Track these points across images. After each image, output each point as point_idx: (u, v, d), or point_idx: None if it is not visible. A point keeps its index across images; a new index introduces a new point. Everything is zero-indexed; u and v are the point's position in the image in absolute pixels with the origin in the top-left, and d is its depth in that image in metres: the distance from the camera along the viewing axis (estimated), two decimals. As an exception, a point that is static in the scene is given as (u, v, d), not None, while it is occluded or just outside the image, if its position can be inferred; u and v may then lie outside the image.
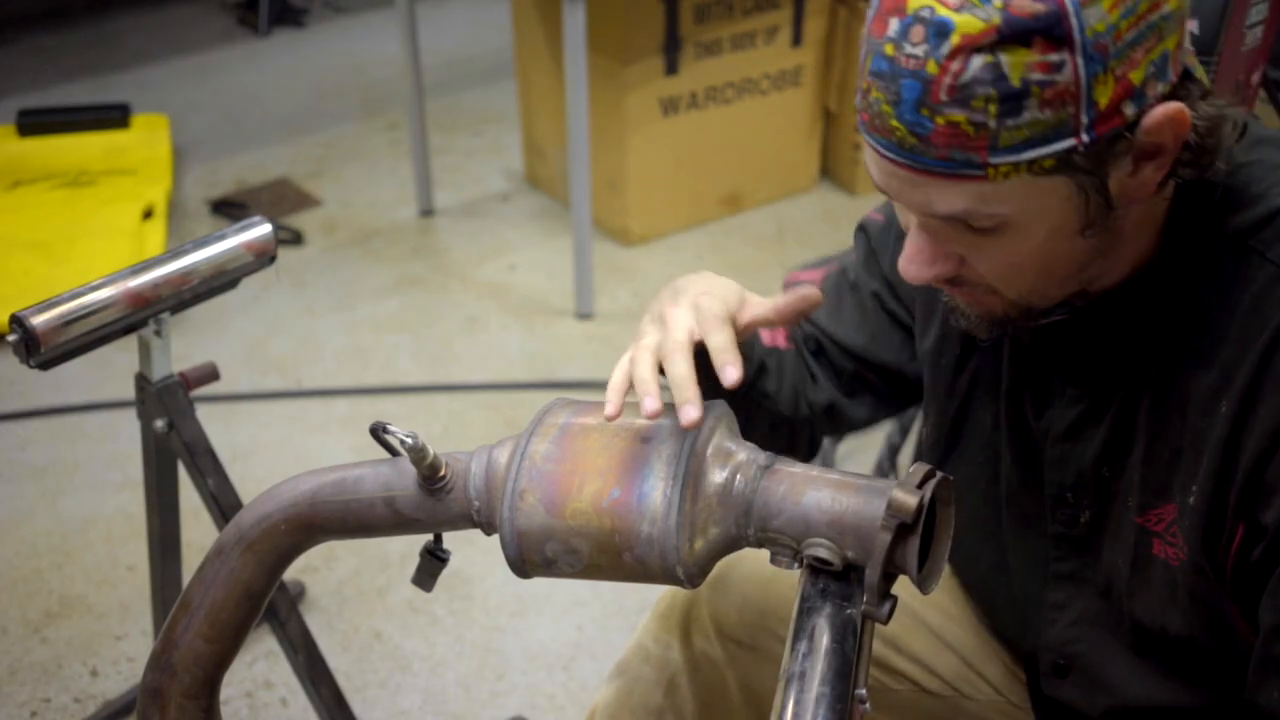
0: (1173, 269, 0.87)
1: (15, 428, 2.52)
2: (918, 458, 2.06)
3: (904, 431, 2.13)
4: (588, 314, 2.87)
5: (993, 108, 0.74)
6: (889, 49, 0.76)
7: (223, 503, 1.42)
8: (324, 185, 3.48)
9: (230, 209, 3.28)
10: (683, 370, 0.87)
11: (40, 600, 2.08)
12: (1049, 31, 0.72)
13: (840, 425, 1.16)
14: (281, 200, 3.40)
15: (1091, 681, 1.00)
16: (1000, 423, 1.00)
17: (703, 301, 0.92)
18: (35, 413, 2.55)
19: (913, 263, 0.87)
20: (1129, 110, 0.76)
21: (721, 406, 0.93)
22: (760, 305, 0.96)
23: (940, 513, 0.84)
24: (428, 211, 3.34)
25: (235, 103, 4.00)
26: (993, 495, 1.03)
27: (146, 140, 3.42)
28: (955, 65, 0.74)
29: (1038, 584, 1.01)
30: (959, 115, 0.75)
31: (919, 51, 0.75)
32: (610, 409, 0.86)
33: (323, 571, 2.13)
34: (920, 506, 0.78)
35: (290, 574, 1.97)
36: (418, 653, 1.98)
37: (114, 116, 3.45)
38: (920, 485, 0.79)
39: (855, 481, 0.84)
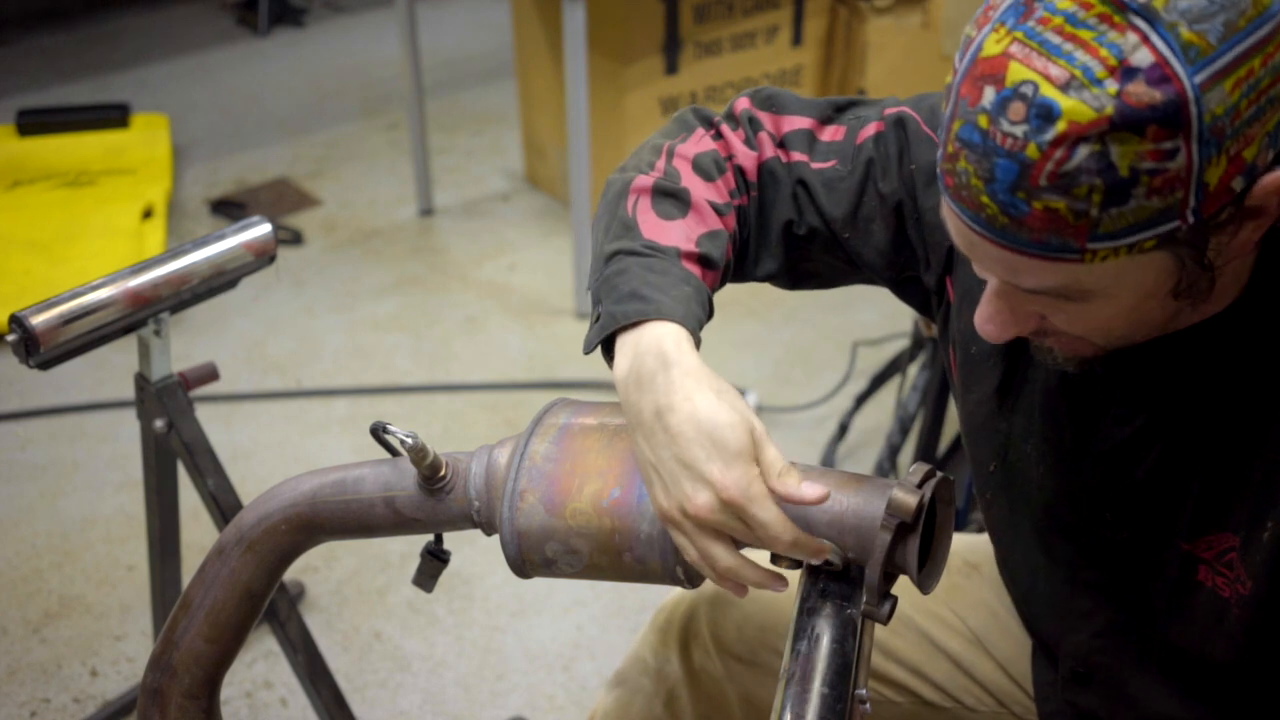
0: (1258, 308, 0.83)
1: (15, 428, 2.52)
2: (920, 455, 2.06)
3: (904, 431, 2.13)
4: (587, 314, 2.87)
5: (1096, 196, 0.69)
6: (983, 121, 0.71)
7: (222, 503, 1.42)
8: (324, 185, 3.48)
9: (230, 209, 3.28)
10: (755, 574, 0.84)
11: (40, 600, 2.08)
12: (1166, 120, 0.68)
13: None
14: (281, 200, 3.40)
15: (1112, 692, 0.99)
16: (1033, 428, 0.96)
17: (735, 497, 0.80)
18: (35, 413, 2.55)
19: (991, 323, 0.82)
20: (1238, 185, 0.71)
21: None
22: (770, 471, 0.82)
23: (940, 513, 0.83)
24: (427, 211, 3.33)
25: (235, 102, 4.00)
26: (1026, 491, 0.99)
27: (146, 140, 3.42)
28: (1059, 153, 0.69)
29: (1067, 588, 0.99)
30: (1059, 202, 0.70)
31: (1018, 132, 0.70)
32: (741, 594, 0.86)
33: (323, 571, 2.13)
34: (920, 506, 0.78)
35: (290, 574, 1.97)
36: (418, 653, 1.98)
37: (113, 116, 3.45)
38: (920, 485, 0.79)
39: (855, 481, 0.84)
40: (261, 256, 1.38)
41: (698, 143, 1.01)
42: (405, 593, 2.09)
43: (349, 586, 2.11)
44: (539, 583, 2.12)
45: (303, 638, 1.48)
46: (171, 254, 1.33)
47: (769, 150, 1.02)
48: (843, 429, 2.36)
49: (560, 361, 2.71)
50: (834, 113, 1.03)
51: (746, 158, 1.02)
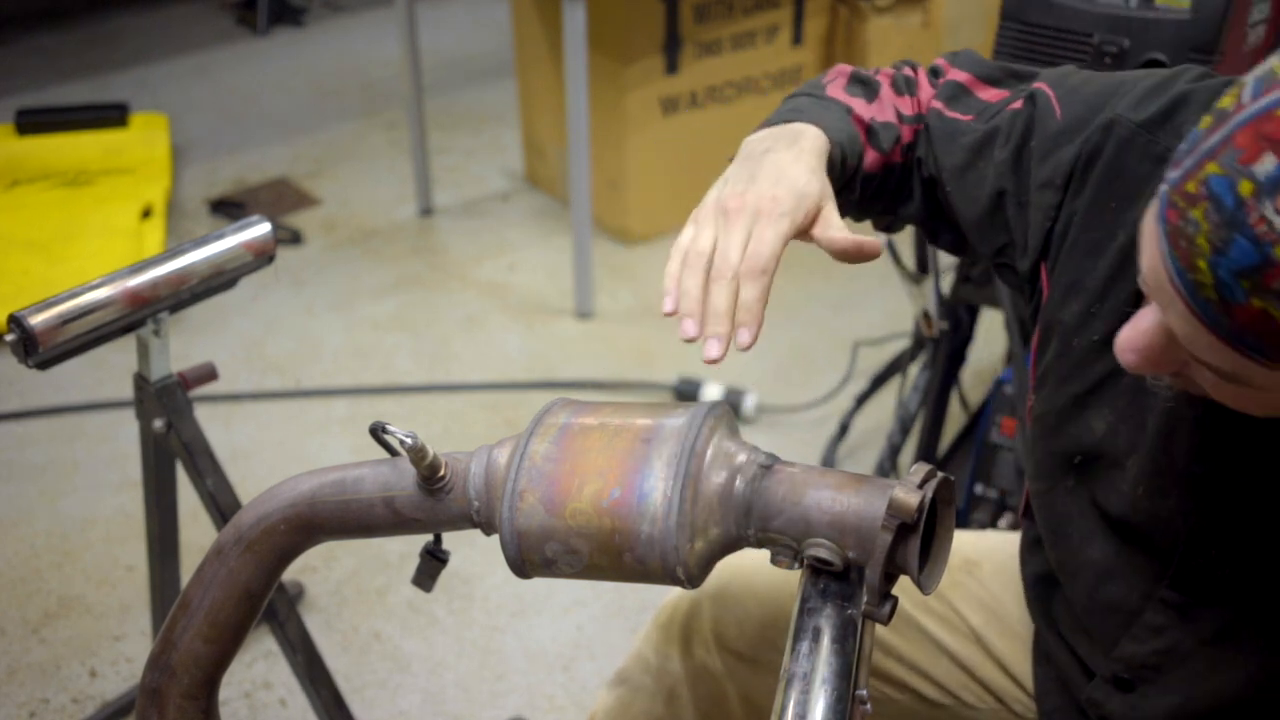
0: None
1: (14, 428, 2.51)
2: (921, 455, 2.06)
3: (904, 431, 2.13)
4: (587, 313, 2.87)
5: None
6: (1245, 188, 0.62)
7: (221, 503, 1.42)
8: (323, 185, 3.48)
9: (229, 208, 3.28)
10: (723, 303, 0.86)
11: (39, 600, 2.08)
12: None
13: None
14: (280, 200, 3.40)
15: (1149, 704, 0.97)
16: (1139, 441, 0.91)
17: (764, 214, 0.89)
18: (34, 413, 2.55)
19: (1136, 354, 0.75)
20: None
21: (721, 406, 0.92)
22: (828, 229, 0.92)
23: (941, 513, 0.83)
24: (427, 211, 3.33)
25: (234, 102, 4.00)
26: (1113, 498, 0.94)
27: (145, 139, 3.42)
28: None
29: (1140, 601, 0.94)
30: (1279, 310, 0.63)
31: (1278, 223, 0.61)
32: (669, 305, 0.88)
33: (322, 572, 2.13)
34: (921, 506, 0.78)
35: (289, 574, 1.97)
36: (417, 653, 1.98)
37: (112, 116, 3.45)
38: (921, 485, 0.79)
39: (856, 481, 0.84)
40: (261, 256, 1.37)
41: (896, 69, 1.09)
42: (405, 593, 2.09)
43: (348, 587, 2.11)
44: (539, 583, 2.12)
45: (302, 638, 1.48)
46: (170, 254, 1.32)
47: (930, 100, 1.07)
48: (843, 429, 2.35)
49: (560, 361, 2.71)
50: (1004, 76, 1.05)
51: (926, 92, 1.07)
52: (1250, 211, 0.62)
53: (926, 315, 1.99)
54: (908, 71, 1.08)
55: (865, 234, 0.98)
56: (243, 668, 1.93)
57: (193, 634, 0.95)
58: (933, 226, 1.08)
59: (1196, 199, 0.64)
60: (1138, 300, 0.82)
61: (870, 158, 1.02)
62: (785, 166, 0.92)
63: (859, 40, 3.18)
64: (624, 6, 2.87)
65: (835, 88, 1.04)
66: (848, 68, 1.06)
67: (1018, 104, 0.99)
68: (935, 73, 1.08)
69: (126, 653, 1.98)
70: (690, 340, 0.85)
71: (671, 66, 3.01)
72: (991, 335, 2.56)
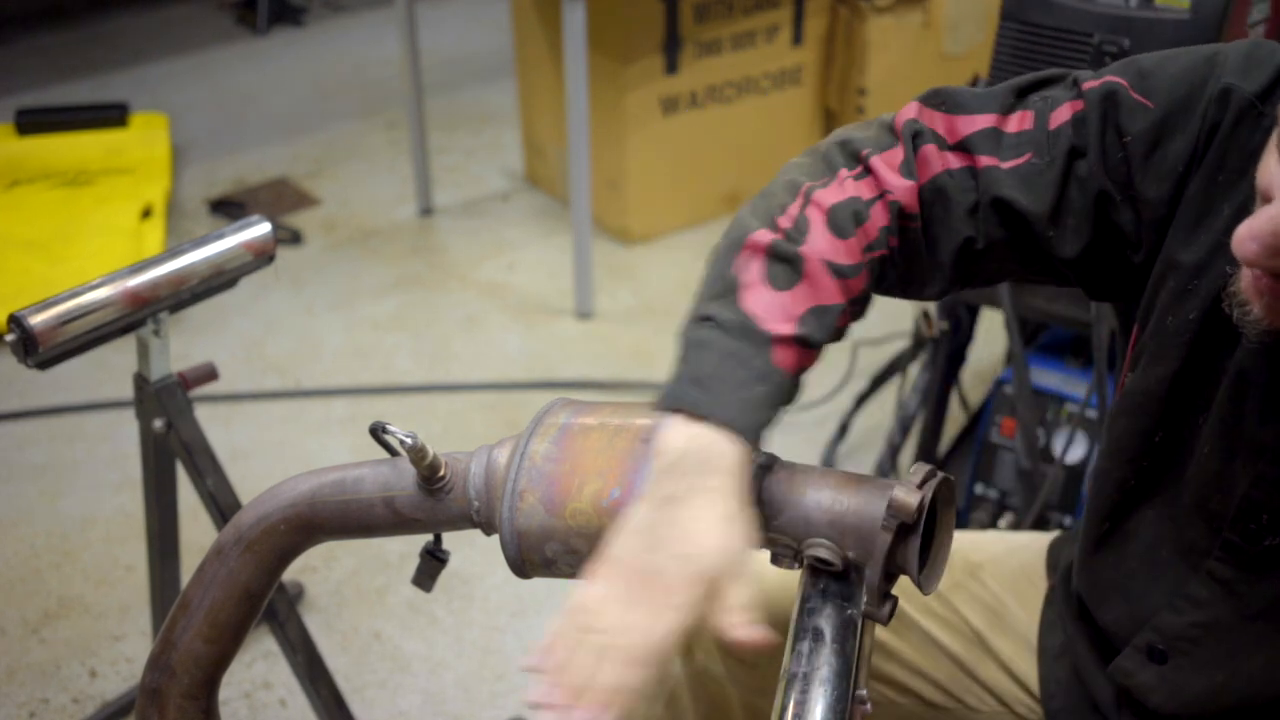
0: None
1: (14, 428, 2.51)
2: (920, 455, 2.06)
3: (904, 431, 2.13)
4: (587, 313, 2.87)
5: None
6: None
7: (221, 503, 1.42)
8: (323, 184, 3.48)
9: (229, 208, 3.28)
10: (608, 680, 0.76)
11: (39, 601, 2.08)
12: None
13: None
14: (280, 199, 3.40)
15: (1179, 677, 0.96)
16: (1214, 406, 0.90)
17: (660, 605, 0.77)
18: (34, 413, 2.55)
19: (1254, 240, 0.74)
20: None
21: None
22: (720, 603, 0.79)
23: (941, 513, 0.83)
24: (427, 211, 3.33)
25: (234, 102, 4.00)
26: (1185, 466, 0.94)
27: (145, 139, 3.42)
28: None
29: (1188, 571, 0.94)
30: None
31: None
32: (531, 661, 0.78)
33: (322, 571, 2.13)
34: (921, 506, 0.78)
35: (289, 574, 1.97)
36: (417, 653, 1.98)
37: (112, 116, 3.45)
38: (921, 485, 0.79)
39: (856, 481, 0.84)
40: (261, 256, 1.37)
41: (839, 188, 0.92)
42: (405, 593, 2.08)
43: (348, 587, 2.11)
44: (539, 583, 2.12)
45: (302, 638, 1.48)
46: (170, 254, 1.32)
47: (937, 164, 0.92)
48: (843, 429, 2.35)
49: (560, 361, 2.71)
50: (1015, 99, 0.94)
51: (904, 191, 0.92)
52: None
53: (926, 315, 1.99)
54: (851, 185, 0.92)
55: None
56: (243, 668, 1.93)
57: (193, 634, 0.95)
58: (957, 287, 0.98)
59: None
60: (1230, 280, 0.82)
61: (808, 358, 0.88)
62: (692, 530, 0.79)
63: (859, 40, 3.18)
64: (624, 6, 2.87)
65: (750, 283, 0.88)
66: (765, 238, 0.88)
67: (1065, 114, 0.91)
68: (918, 138, 0.94)
69: (126, 653, 1.98)
70: (535, 706, 0.76)
71: (671, 66, 3.00)
72: (991, 335, 2.56)
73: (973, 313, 2.00)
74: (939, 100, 0.95)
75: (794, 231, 0.89)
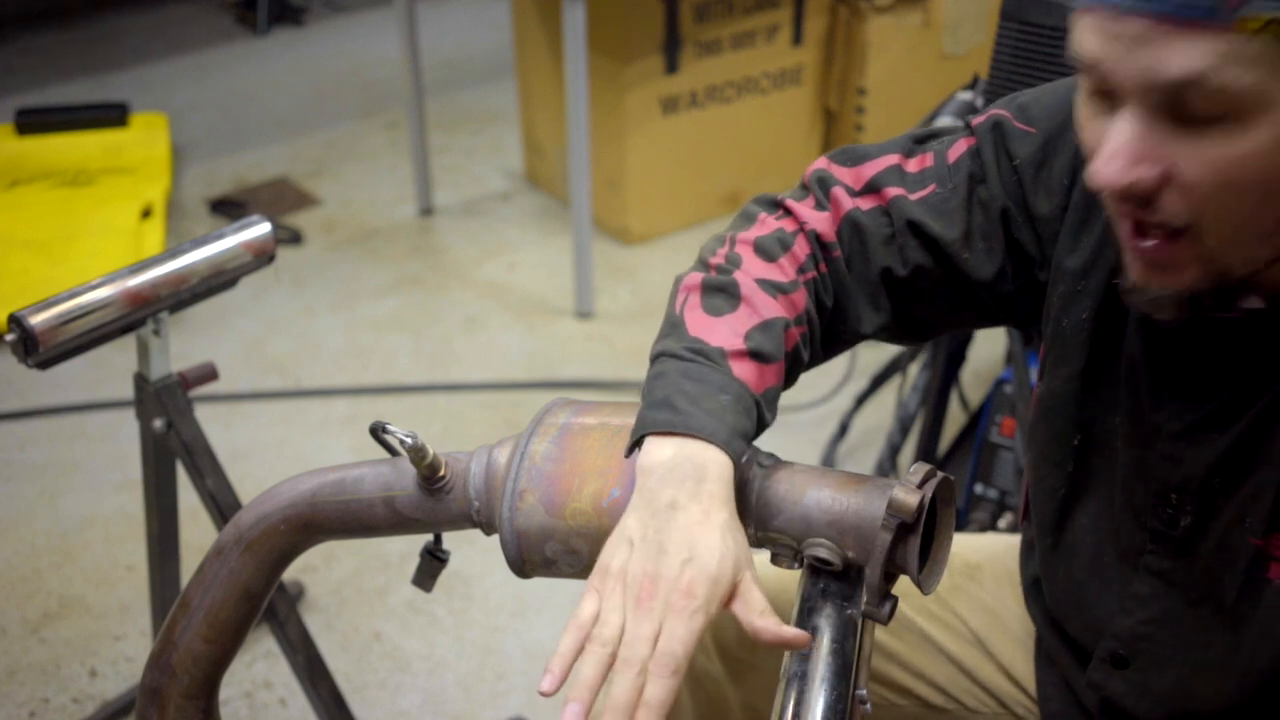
0: None
1: (14, 427, 2.51)
2: (920, 455, 2.06)
3: (904, 431, 2.13)
4: (588, 313, 2.87)
5: None
6: None
7: (221, 503, 1.42)
8: (323, 184, 3.48)
9: (229, 208, 3.28)
10: (627, 697, 0.76)
11: (39, 600, 2.08)
12: None
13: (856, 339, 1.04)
14: (280, 199, 3.40)
15: (1146, 679, 0.97)
16: (1119, 400, 0.93)
17: (676, 609, 0.77)
18: (34, 412, 2.55)
19: (1113, 161, 0.75)
20: None
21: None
22: (749, 613, 0.80)
23: (941, 513, 0.83)
24: (427, 211, 3.33)
25: (234, 102, 4.00)
26: (1106, 465, 0.97)
27: (145, 139, 3.42)
28: None
29: (1128, 570, 0.96)
30: None
31: None
32: (548, 685, 0.76)
33: (322, 571, 2.13)
34: (921, 506, 0.78)
35: (290, 574, 1.97)
36: (417, 653, 1.98)
37: (112, 115, 3.45)
38: (921, 485, 0.79)
39: (856, 481, 0.84)
40: (261, 256, 1.37)
41: (760, 226, 0.99)
42: (405, 593, 2.09)
43: (348, 586, 2.11)
44: (539, 583, 2.12)
45: (302, 638, 1.48)
46: (170, 253, 1.32)
47: (847, 204, 0.98)
48: (843, 429, 2.35)
49: (560, 361, 2.71)
50: (914, 145, 1.01)
51: (820, 221, 0.98)
52: None
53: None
54: (773, 223, 0.99)
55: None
56: (243, 667, 1.93)
57: (193, 634, 0.95)
58: (902, 329, 1.03)
59: None
60: (1117, 275, 0.87)
61: (771, 372, 0.92)
62: (695, 535, 0.79)
63: (859, 40, 3.18)
64: (624, 6, 2.87)
65: (693, 315, 0.92)
66: (697, 278, 0.95)
67: (961, 148, 0.98)
68: (824, 183, 1.00)
69: (127, 652, 1.98)
70: None
71: (671, 66, 3.00)
72: (991, 335, 2.56)
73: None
74: (844, 156, 1.02)
75: (726, 265, 0.95)
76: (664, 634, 0.77)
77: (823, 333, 1.00)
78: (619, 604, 0.79)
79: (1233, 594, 0.90)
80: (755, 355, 0.90)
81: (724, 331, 0.90)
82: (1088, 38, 0.75)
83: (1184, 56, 0.69)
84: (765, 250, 0.96)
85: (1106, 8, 0.72)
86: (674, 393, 0.86)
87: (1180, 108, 0.72)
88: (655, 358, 0.91)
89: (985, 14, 3.25)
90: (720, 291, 0.93)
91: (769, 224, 0.99)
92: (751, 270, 0.95)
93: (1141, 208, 0.77)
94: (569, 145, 2.68)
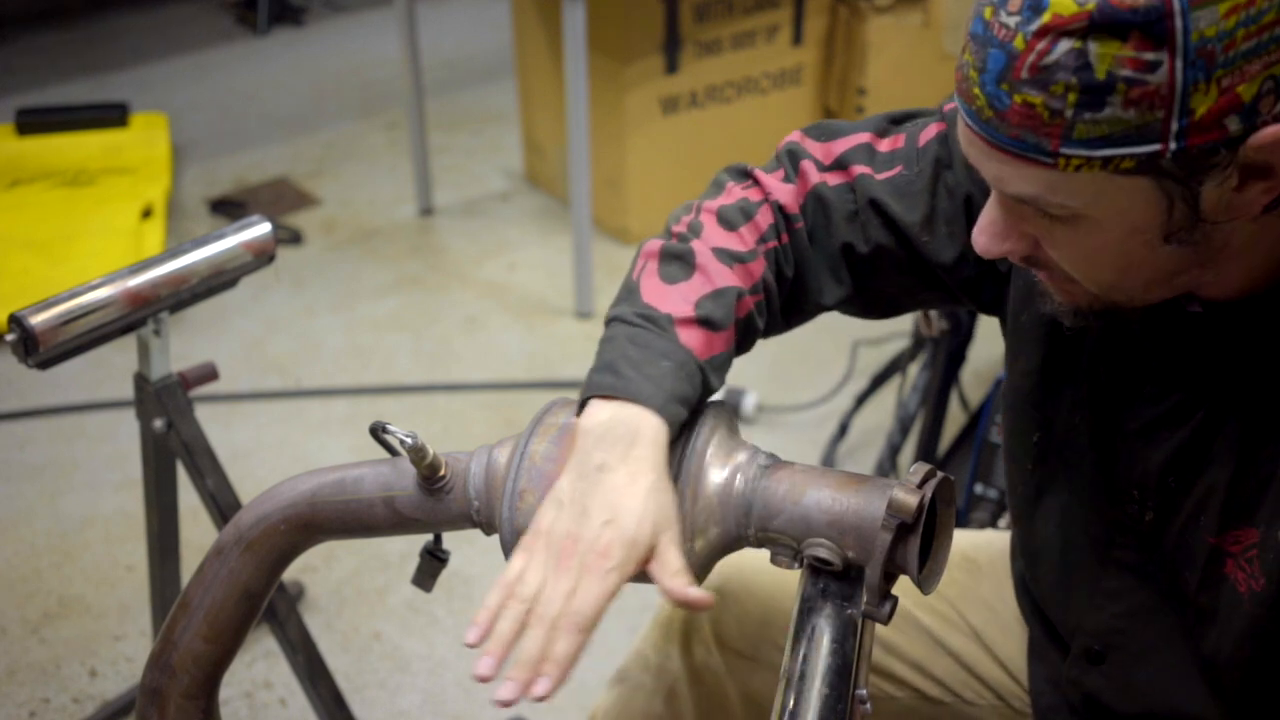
0: None
1: (14, 427, 2.51)
2: (920, 455, 2.06)
3: (904, 431, 2.13)
4: (587, 313, 2.87)
5: (1072, 96, 0.70)
6: (988, 12, 0.73)
7: (221, 503, 1.42)
8: (323, 184, 3.48)
9: (229, 208, 3.28)
10: (534, 651, 0.80)
11: (39, 600, 2.08)
12: (1148, 28, 0.67)
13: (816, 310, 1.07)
14: (281, 199, 3.40)
15: (1122, 674, 0.98)
16: (1081, 398, 0.96)
17: (591, 569, 0.81)
18: (34, 412, 2.55)
19: (984, 234, 0.83)
20: (1233, 125, 0.70)
21: (721, 406, 0.92)
22: (663, 574, 0.83)
23: (941, 513, 0.83)
24: (427, 211, 3.33)
25: (234, 102, 4.00)
26: (1071, 461, 0.98)
27: (145, 139, 3.42)
28: (1041, 45, 0.70)
29: (1097, 566, 0.98)
30: (1036, 97, 0.71)
31: (1011, 23, 0.71)
32: (472, 636, 0.82)
33: (322, 571, 2.13)
34: (921, 506, 0.78)
35: (290, 574, 1.96)
36: (417, 653, 1.98)
37: (113, 115, 3.45)
38: (921, 485, 0.79)
39: (856, 481, 0.84)
40: (261, 256, 1.37)
41: (727, 195, 1.02)
42: (405, 593, 2.09)
43: (349, 586, 2.11)
44: (539, 582, 2.12)
45: (302, 638, 1.48)
46: (171, 254, 1.32)
47: (814, 177, 1.01)
48: (843, 429, 2.35)
49: (560, 361, 2.71)
50: (890, 125, 1.03)
51: (785, 193, 1.02)
52: (994, 26, 0.73)
53: (926, 315, 1.99)
54: (739, 192, 1.02)
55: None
56: (243, 667, 1.93)
57: (193, 634, 0.95)
58: (864, 304, 1.05)
59: (965, 48, 0.76)
60: None
61: (720, 340, 0.94)
62: (619, 498, 0.83)
63: (859, 40, 3.18)
64: (624, 6, 2.87)
65: (648, 283, 0.95)
66: (656, 245, 0.98)
67: (932, 131, 1.00)
68: (794, 156, 1.03)
69: (127, 652, 1.98)
70: (483, 680, 0.79)
71: (671, 66, 3.00)
72: (991, 335, 2.55)
73: (973, 313, 2.00)
74: (819, 131, 1.05)
75: (687, 234, 0.99)
76: (578, 592, 0.81)
77: (783, 302, 1.03)
78: (541, 562, 0.83)
79: (1194, 589, 0.91)
80: (704, 322, 0.93)
81: (675, 299, 0.93)
82: (960, 130, 0.80)
83: (1021, 180, 0.76)
84: (727, 219, 0.99)
85: (961, 112, 0.78)
86: (618, 358, 0.90)
87: (1033, 206, 0.78)
88: (608, 322, 0.95)
89: (985, 14, 3.25)
90: (677, 259, 0.96)
91: (735, 193, 1.02)
92: (711, 239, 0.98)
93: (1025, 261, 0.84)
94: (569, 145, 2.68)
